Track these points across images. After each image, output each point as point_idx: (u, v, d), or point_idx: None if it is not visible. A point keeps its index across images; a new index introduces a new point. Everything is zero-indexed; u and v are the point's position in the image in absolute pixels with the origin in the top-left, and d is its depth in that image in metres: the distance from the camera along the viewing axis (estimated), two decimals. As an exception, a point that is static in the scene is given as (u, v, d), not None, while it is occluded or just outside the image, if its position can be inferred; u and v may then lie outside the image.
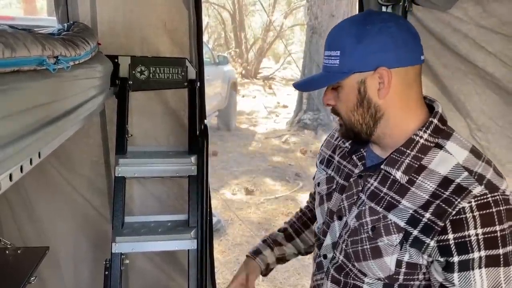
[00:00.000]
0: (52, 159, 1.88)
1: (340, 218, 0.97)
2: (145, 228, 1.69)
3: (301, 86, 1.03)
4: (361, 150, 0.98)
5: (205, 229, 1.68)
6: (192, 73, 1.84)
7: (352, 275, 0.93)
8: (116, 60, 1.76)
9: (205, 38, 13.70)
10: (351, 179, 0.97)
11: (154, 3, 1.80)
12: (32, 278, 1.34)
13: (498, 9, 1.37)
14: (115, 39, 1.81)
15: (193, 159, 1.72)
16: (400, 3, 1.47)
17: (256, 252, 1.23)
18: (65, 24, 1.44)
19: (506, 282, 0.79)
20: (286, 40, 15.07)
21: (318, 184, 1.08)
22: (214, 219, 3.86)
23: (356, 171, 0.97)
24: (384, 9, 1.51)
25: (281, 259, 1.24)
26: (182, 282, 2.05)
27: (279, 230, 1.29)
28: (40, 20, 5.75)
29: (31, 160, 0.90)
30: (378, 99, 0.88)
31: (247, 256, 1.25)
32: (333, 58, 0.87)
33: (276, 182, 5.24)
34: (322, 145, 1.16)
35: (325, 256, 1.00)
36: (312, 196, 1.30)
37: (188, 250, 1.66)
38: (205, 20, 13.92)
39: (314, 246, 1.11)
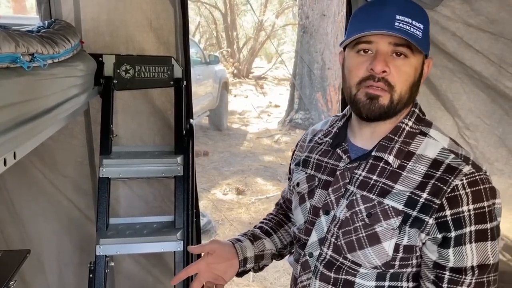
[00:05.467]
0: (35, 159, 1.85)
1: (327, 213, 0.96)
2: (130, 230, 1.67)
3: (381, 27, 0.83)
4: (343, 143, 0.99)
5: (191, 231, 1.65)
6: (178, 72, 1.82)
7: (345, 268, 0.92)
8: (101, 59, 1.74)
9: (196, 37, 13.66)
10: (337, 173, 0.97)
11: (139, 0, 1.77)
12: (11, 283, 1.30)
13: (486, 7, 1.37)
14: (99, 37, 1.78)
15: (179, 159, 1.69)
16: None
17: (235, 240, 1.11)
18: (46, 22, 1.40)
19: (493, 255, 0.85)
20: (278, 40, 15.06)
21: (298, 184, 1.06)
22: (205, 220, 3.83)
23: (342, 164, 0.97)
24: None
25: (260, 257, 1.12)
26: (169, 284, 2.02)
27: (254, 227, 1.21)
28: (28, 19, 5.67)
29: (5, 160, 0.87)
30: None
31: None
32: (416, 28, 0.84)
33: (268, 182, 5.23)
34: (295, 150, 1.16)
35: (310, 255, 0.98)
36: (280, 205, 1.26)
37: (174, 251, 1.63)
38: (196, 19, 13.86)
39: (296, 248, 1.07)
